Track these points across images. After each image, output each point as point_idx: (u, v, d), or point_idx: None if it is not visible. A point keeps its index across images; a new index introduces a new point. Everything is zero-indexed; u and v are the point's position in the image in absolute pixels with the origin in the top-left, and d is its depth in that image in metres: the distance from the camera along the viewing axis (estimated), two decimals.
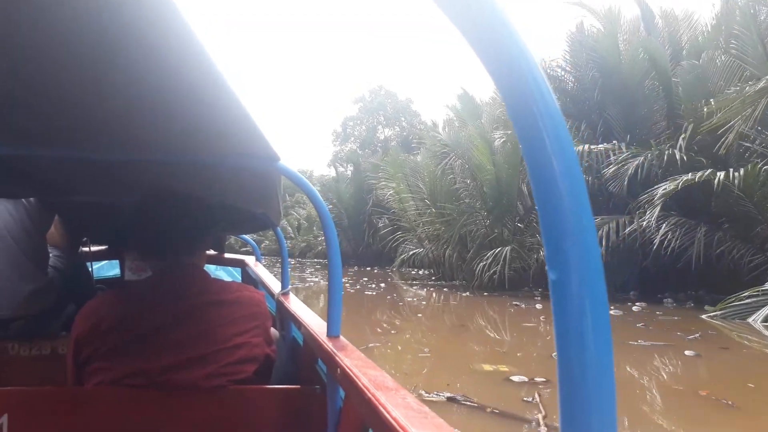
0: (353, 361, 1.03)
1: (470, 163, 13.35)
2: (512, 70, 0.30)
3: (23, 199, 1.84)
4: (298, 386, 1.28)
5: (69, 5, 0.35)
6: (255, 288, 1.37)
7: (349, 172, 27.88)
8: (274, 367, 1.39)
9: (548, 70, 12.34)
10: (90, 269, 2.50)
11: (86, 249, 2.60)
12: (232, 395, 1.15)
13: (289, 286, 2.23)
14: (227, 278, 3.33)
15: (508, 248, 11.58)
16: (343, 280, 14.64)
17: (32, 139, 0.72)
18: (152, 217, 1.19)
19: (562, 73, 12.24)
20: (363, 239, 25.45)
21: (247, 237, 3.59)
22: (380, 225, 24.85)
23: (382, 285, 13.72)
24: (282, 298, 2.02)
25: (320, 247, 35.26)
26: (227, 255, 3.39)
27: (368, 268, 22.43)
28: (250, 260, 3.36)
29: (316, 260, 35.53)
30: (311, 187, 1.31)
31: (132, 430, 1.09)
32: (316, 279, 15.96)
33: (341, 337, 1.28)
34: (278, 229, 2.28)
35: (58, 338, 1.87)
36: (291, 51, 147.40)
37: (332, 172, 31.10)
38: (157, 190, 1.26)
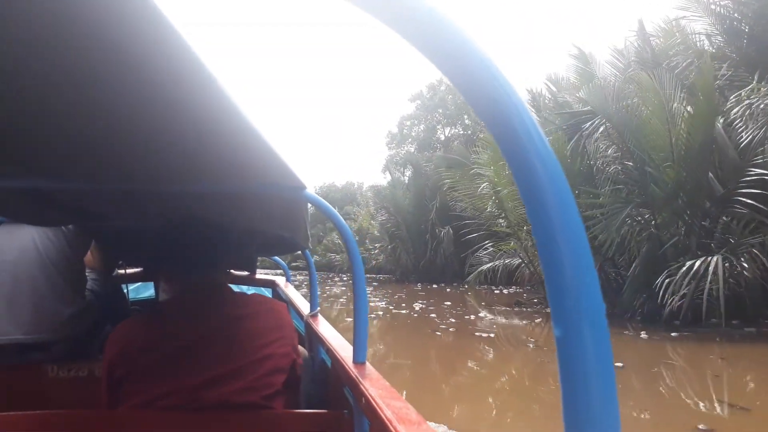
0: (377, 390, 1.05)
1: (627, 135, 8.80)
2: (499, 112, 0.29)
3: (62, 226, 1.90)
4: (327, 411, 1.27)
5: (101, 39, 0.36)
6: (277, 300, 1.46)
7: (406, 178, 24.61)
8: (303, 388, 1.46)
9: (712, 5, 8.72)
10: (125, 291, 2.57)
11: (122, 271, 2.64)
12: (263, 418, 1.15)
13: (318, 308, 2.22)
14: None
15: (716, 258, 7.13)
16: (403, 307, 10.31)
17: (66, 170, 0.70)
18: (173, 241, 1.22)
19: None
20: (425, 252, 22.06)
21: (278, 258, 3.58)
22: (443, 235, 21.44)
23: (469, 317, 10.16)
24: (311, 320, 2.03)
25: (374, 262, 32.24)
26: (258, 276, 3.42)
27: (434, 285, 18.94)
28: (280, 281, 3.42)
29: (369, 275, 32.76)
30: (335, 213, 1.35)
31: None
32: (373, 301, 12.65)
33: (367, 364, 1.28)
34: (307, 251, 2.31)
35: (96, 360, 1.89)
36: (339, 49, 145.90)
37: (387, 179, 27.92)
38: (182, 217, 1.21)
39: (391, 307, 11.33)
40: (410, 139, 28.97)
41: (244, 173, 0.88)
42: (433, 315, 9.80)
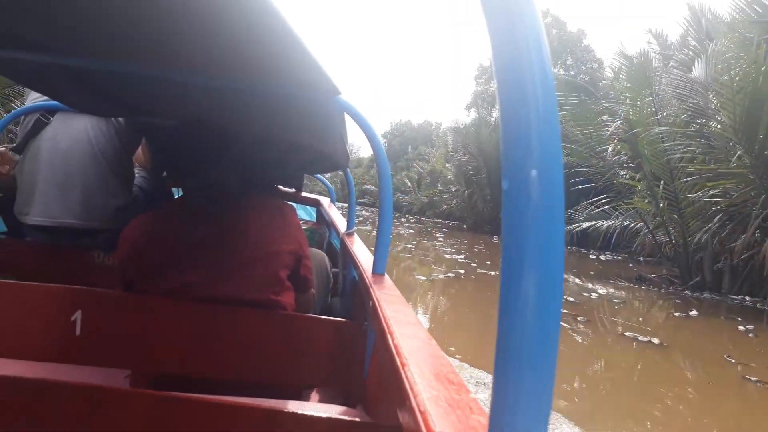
0: (384, 295, 1.08)
1: None
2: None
3: (113, 119, 1.96)
4: (346, 320, 1.32)
5: None
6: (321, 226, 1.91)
7: (493, 118, 21.95)
8: (334, 302, 1.77)
9: None
10: (173, 194, 2.56)
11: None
12: (282, 320, 1.22)
13: (354, 227, 2.27)
14: (305, 217, 3.63)
15: None
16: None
17: (110, 51, 0.74)
18: (192, 141, 1.22)
19: None
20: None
21: (323, 179, 3.65)
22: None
23: (589, 294, 7.98)
24: (345, 239, 2.03)
25: (444, 207, 30.11)
26: (303, 194, 3.49)
27: None
28: (325, 201, 3.48)
29: (437, 220, 30.83)
30: (369, 124, 1.27)
31: (193, 335, 1.17)
32: (448, 253, 10.73)
33: (385, 276, 1.31)
34: (347, 170, 2.30)
35: None
36: None
37: (471, 117, 25.26)
38: (218, 118, 1.22)
39: (473, 264, 9.34)
40: None
41: (280, 73, 0.87)
42: None
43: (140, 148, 2.18)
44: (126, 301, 1.19)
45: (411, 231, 14.79)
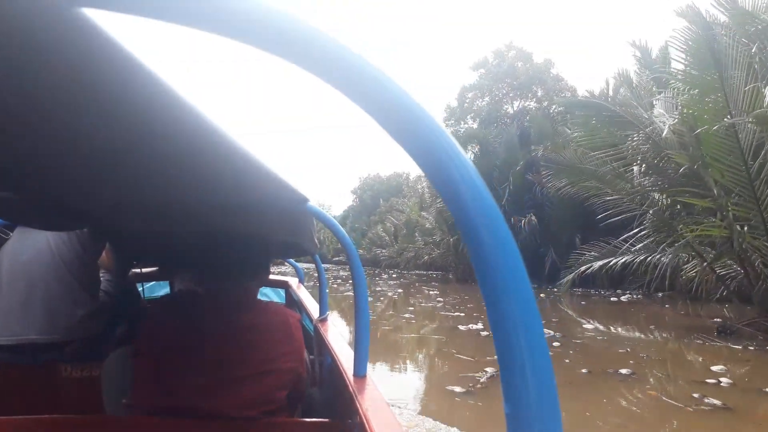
0: (373, 406, 1.10)
1: None
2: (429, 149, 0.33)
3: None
4: (328, 420, 1.29)
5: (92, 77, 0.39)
6: (293, 312, 1.43)
7: (471, 155, 20.46)
8: (307, 390, 1.51)
9: None
10: (140, 290, 2.63)
11: (137, 270, 2.66)
12: (264, 427, 1.17)
13: (327, 313, 2.24)
14: (275, 298, 3.49)
15: None
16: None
17: (78, 184, 0.72)
18: (185, 246, 1.38)
19: None
20: None
21: (292, 260, 3.60)
22: (524, 224, 17.24)
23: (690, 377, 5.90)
24: (319, 325, 2.06)
25: (426, 257, 28.28)
26: (272, 277, 3.38)
27: None
28: (293, 282, 3.45)
29: (420, 272, 28.91)
30: (336, 224, 1.38)
31: None
32: (447, 311, 8.67)
33: (367, 377, 1.31)
34: (316, 256, 2.31)
35: (108, 359, 1.87)
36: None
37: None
38: (190, 226, 1.22)
39: (479, 328, 7.31)
40: (471, 114, 24.64)
41: (253, 190, 0.93)
42: (584, 365, 5.77)
43: (103, 251, 2.13)
44: (100, 425, 1.16)
45: (399, 291, 12.69)
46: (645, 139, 8.29)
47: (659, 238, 8.62)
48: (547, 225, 17.39)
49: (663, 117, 8.35)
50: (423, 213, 31.88)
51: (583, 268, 12.02)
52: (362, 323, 1.34)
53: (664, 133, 7.66)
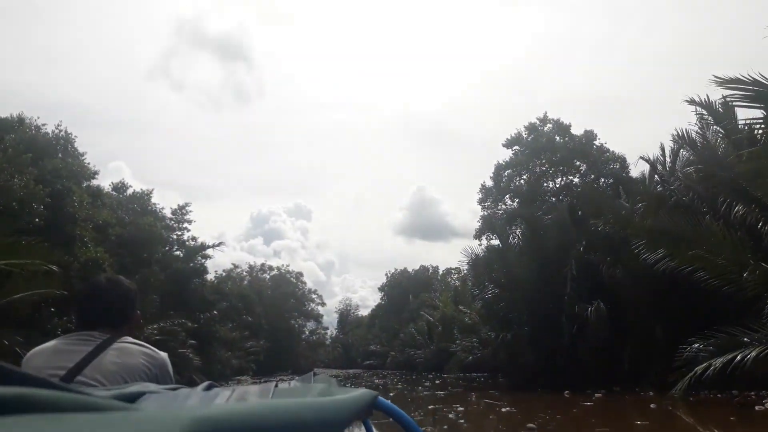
0: None
1: None
2: None
3: None
4: None
5: None
6: None
7: (517, 238, 18.01)
8: None
9: None
10: None
11: None
12: None
13: None
14: None
15: None
16: None
17: None
18: None
19: None
20: (555, 342, 14.97)
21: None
22: (590, 312, 14.33)
23: None
24: None
25: (470, 357, 24.89)
26: None
27: (563, 393, 11.28)
28: None
29: (463, 375, 25.47)
30: (407, 418, 1.13)
31: None
32: None
33: None
34: (368, 421, 1.73)
35: None
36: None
37: (481, 246, 21.33)
38: None
39: None
40: (510, 194, 22.55)
41: None
42: None
43: None
44: None
45: (460, 410, 9.65)
46: None
47: None
48: (618, 313, 14.46)
49: None
50: (461, 307, 28.96)
51: (701, 367, 9.10)
52: None
53: None
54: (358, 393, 0.72)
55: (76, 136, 19.12)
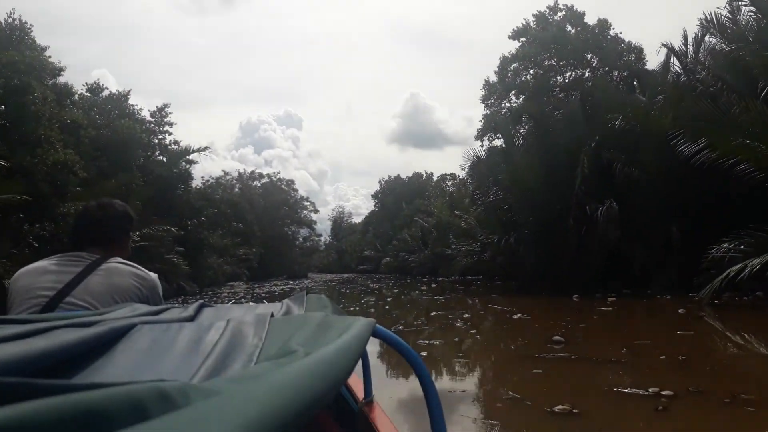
0: None
1: None
2: None
3: None
4: None
5: None
6: None
7: (521, 138, 16.71)
8: None
9: None
10: None
11: None
12: None
13: (372, 395, 1.67)
14: None
15: None
16: None
17: None
18: None
19: None
20: (563, 243, 14.16)
21: None
22: (600, 214, 13.42)
23: None
24: (366, 410, 1.62)
25: (464, 261, 24.48)
26: None
27: (572, 296, 10.53)
28: None
29: (458, 278, 25.28)
30: (402, 342, 1.07)
31: None
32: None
33: None
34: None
35: None
36: None
37: (484, 148, 20.01)
38: None
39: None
40: (515, 90, 20.90)
41: None
42: None
43: None
44: None
45: (466, 317, 8.92)
46: None
47: None
48: (631, 215, 13.54)
49: None
50: (457, 212, 28.26)
51: (735, 268, 8.26)
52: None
53: None
54: (357, 328, 0.69)
55: (32, 25, 16.93)
